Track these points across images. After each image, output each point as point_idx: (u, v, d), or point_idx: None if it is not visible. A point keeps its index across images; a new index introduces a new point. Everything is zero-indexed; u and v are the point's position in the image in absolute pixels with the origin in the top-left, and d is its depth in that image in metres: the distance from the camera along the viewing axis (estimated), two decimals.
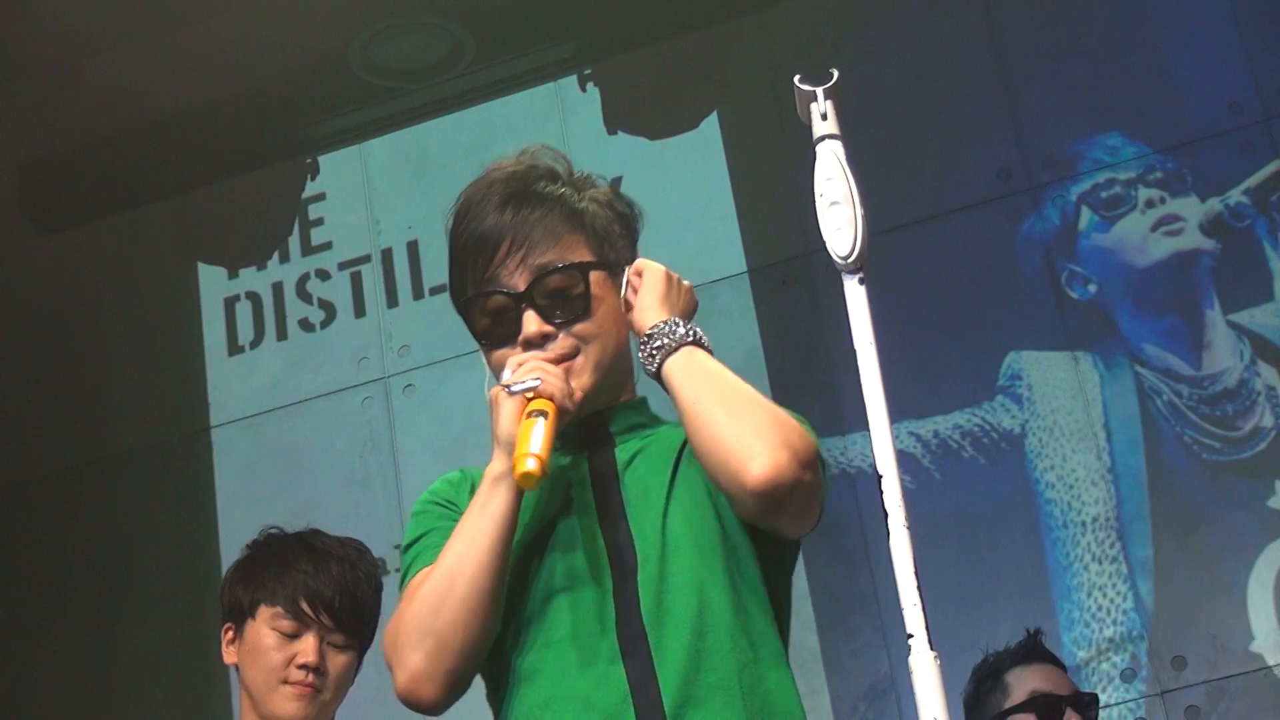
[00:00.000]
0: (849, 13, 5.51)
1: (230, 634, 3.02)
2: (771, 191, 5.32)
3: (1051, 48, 5.30)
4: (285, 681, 2.92)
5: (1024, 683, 3.78)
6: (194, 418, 5.71)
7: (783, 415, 2.18)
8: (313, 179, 5.88)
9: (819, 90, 2.02)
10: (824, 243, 1.98)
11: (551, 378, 2.19)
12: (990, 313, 5.09)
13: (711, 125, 5.54)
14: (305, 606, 2.93)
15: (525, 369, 2.21)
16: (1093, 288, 5.05)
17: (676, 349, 2.24)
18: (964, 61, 5.36)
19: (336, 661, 2.95)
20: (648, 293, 2.30)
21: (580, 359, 2.28)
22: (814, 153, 2.01)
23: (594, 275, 2.31)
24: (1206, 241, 4.99)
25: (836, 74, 2.04)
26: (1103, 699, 4.61)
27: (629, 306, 2.32)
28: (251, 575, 3.01)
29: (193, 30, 5.59)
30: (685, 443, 2.26)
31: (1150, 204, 5.07)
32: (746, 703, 2.13)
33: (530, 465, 2.09)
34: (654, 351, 2.24)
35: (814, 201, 1.99)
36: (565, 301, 2.29)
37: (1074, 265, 5.08)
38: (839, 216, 1.95)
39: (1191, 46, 5.18)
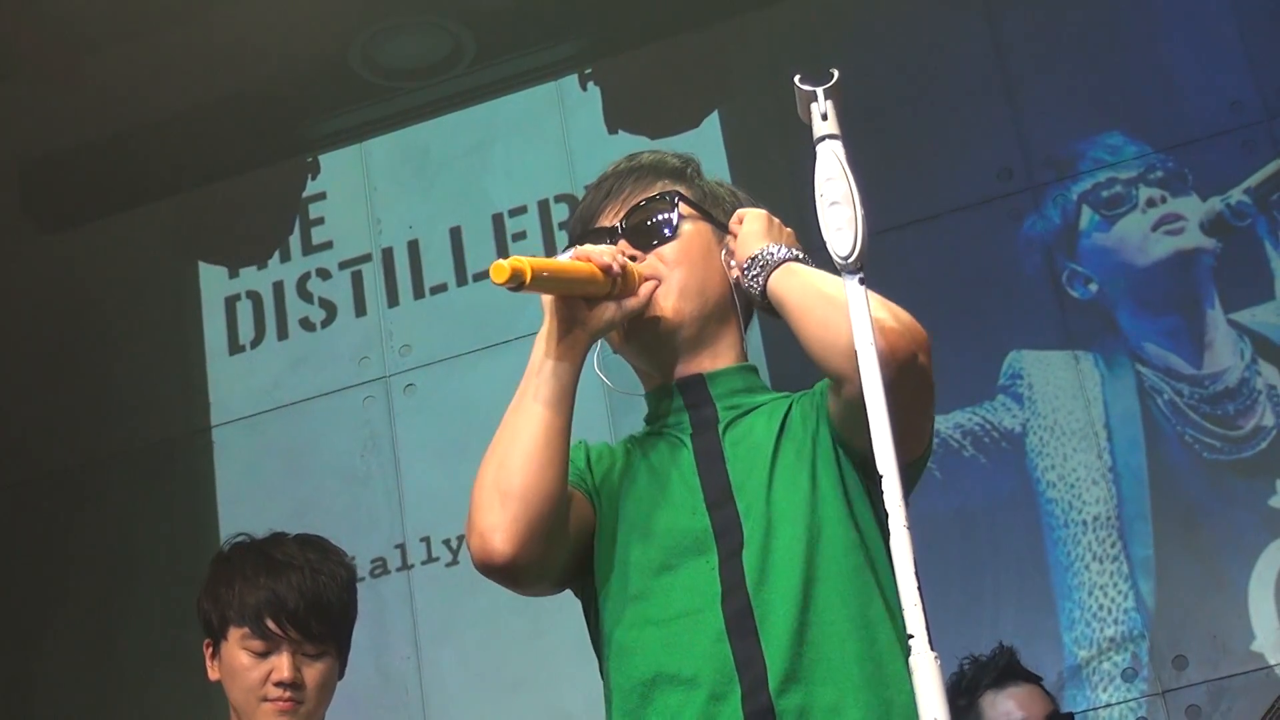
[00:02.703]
0: (850, 12, 5.51)
1: (210, 650, 3.02)
2: (772, 190, 5.30)
3: (1052, 47, 5.30)
4: (265, 699, 2.91)
5: (996, 708, 3.78)
6: (195, 417, 5.71)
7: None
8: (313, 178, 5.89)
9: (819, 90, 2.02)
10: (824, 242, 1.98)
11: (598, 247, 2.21)
12: (991, 312, 5.09)
13: (712, 124, 5.54)
14: (271, 625, 2.91)
15: None
16: (1093, 287, 5.05)
17: (778, 266, 2.24)
18: (965, 61, 5.36)
19: (313, 672, 2.94)
20: (749, 229, 2.32)
21: (664, 286, 2.29)
22: (814, 152, 2.01)
23: (684, 207, 2.35)
24: (1207, 241, 4.99)
25: (837, 74, 2.04)
26: (1104, 698, 4.62)
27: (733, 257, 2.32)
28: (217, 593, 2.99)
29: (193, 30, 5.59)
30: (788, 412, 2.27)
31: (1151, 203, 5.08)
32: (853, 674, 2.11)
33: (505, 260, 2.07)
34: (757, 274, 2.25)
35: (814, 201, 1.99)
36: (653, 229, 2.34)
37: (1075, 264, 5.08)
38: (839, 216, 1.95)
39: (1192, 45, 5.18)
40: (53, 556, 5.68)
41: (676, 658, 2.14)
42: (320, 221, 5.81)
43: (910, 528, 1.85)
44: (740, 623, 2.12)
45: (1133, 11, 5.30)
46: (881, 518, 2.18)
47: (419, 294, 5.59)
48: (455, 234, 5.64)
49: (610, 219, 2.35)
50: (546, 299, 2.20)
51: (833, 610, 2.14)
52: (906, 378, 2.09)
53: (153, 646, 5.36)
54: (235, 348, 5.74)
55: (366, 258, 5.70)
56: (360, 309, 5.66)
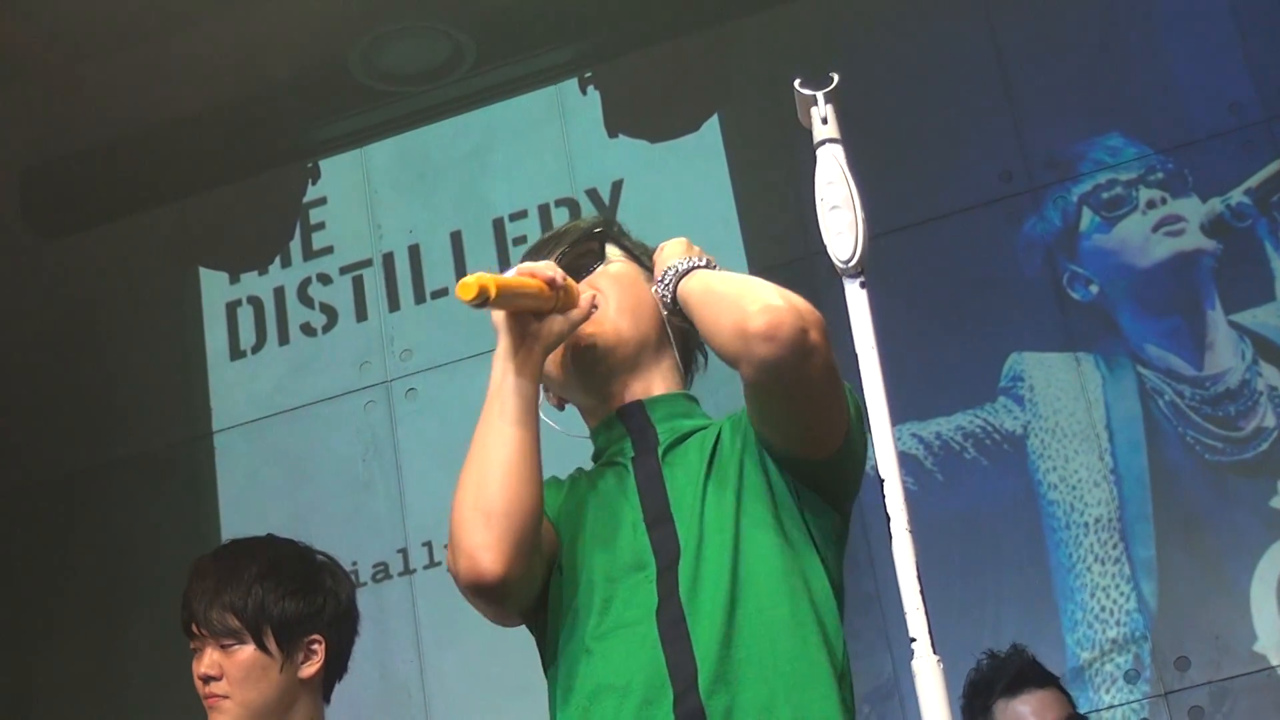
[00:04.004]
0: (850, 15, 5.51)
1: None
2: (773, 194, 5.32)
3: (1052, 49, 5.30)
4: (204, 698, 3.00)
5: (1009, 717, 3.76)
6: (196, 422, 5.71)
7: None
8: (314, 183, 5.89)
9: (819, 94, 2.03)
10: (825, 246, 1.98)
11: (539, 263, 2.28)
12: (992, 314, 5.09)
13: (712, 128, 5.54)
14: (191, 622, 3.02)
15: None
16: (1094, 288, 5.05)
17: (685, 274, 2.30)
18: (964, 63, 5.36)
19: (233, 661, 2.99)
20: (666, 252, 2.39)
21: (598, 311, 2.34)
22: (814, 156, 2.02)
23: (611, 247, 2.45)
24: (1208, 242, 4.99)
25: (836, 78, 2.04)
26: (1106, 700, 4.61)
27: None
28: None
29: (193, 36, 5.59)
30: (720, 430, 2.32)
31: (1151, 204, 5.08)
32: (785, 673, 2.14)
33: (471, 277, 2.13)
34: (668, 282, 2.31)
35: (814, 205, 1.99)
36: (586, 261, 2.43)
37: (1075, 266, 5.08)
38: (840, 220, 1.95)
39: (1192, 47, 5.18)
40: (54, 562, 5.68)
41: (614, 668, 2.18)
42: (321, 226, 5.81)
43: (913, 530, 1.85)
44: (673, 630, 2.16)
45: (1132, 13, 5.30)
46: (809, 522, 2.27)
47: (420, 299, 5.59)
48: (456, 238, 5.64)
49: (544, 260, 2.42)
50: (499, 318, 2.26)
51: (762, 614, 2.17)
52: (796, 355, 2.10)
53: (154, 652, 5.36)
54: (236, 353, 5.74)
55: (367, 263, 5.70)
56: (361, 314, 5.66)
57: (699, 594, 2.18)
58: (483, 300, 2.13)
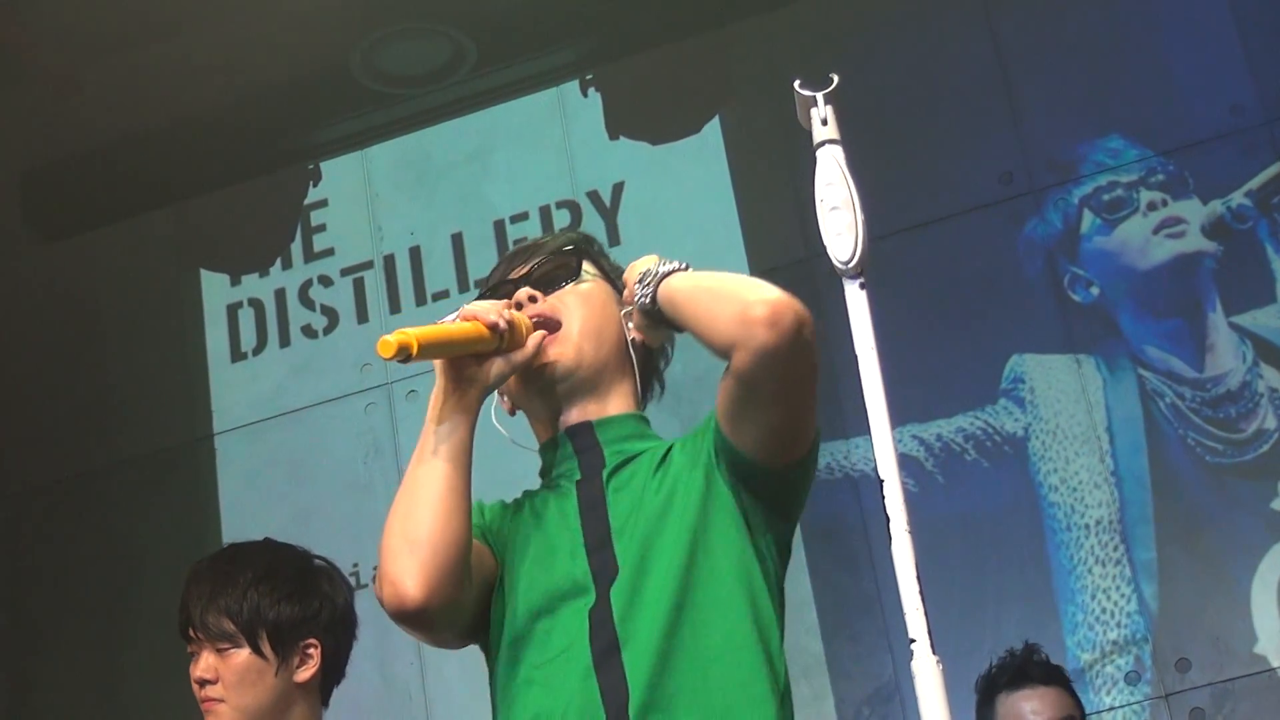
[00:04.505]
0: (850, 17, 5.51)
1: None
2: (774, 196, 5.32)
3: (1052, 50, 5.30)
4: (200, 701, 3.00)
5: (1009, 713, 3.76)
6: (197, 424, 5.71)
7: None
8: (315, 185, 5.89)
9: (819, 95, 2.03)
10: (825, 247, 1.98)
11: (482, 303, 2.28)
12: (992, 316, 5.09)
13: (714, 130, 5.55)
14: (188, 626, 3.02)
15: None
16: (1095, 290, 5.05)
17: (665, 276, 2.30)
18: (965, 65, 5.36)
19: (230, 665, 2.99)
20: (639, 263, 2.37)
21: (565, 327, 2.35)
22: (814, 158, 2.02)
23: (588, 264, 2.44)
24: (1208, 244, 4.99)
25: (836, 79, 2.04)
26: (1107, 702, 4.61)
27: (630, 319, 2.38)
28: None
29: (194, 37, 5.59)
30: (668, 451, 2.32)
31: (1152, 206, 5.08)
32: (716, 702, 2.15)
33: (392, 335, 2.14)
34: (647, 286, 2.30)
35: (815, 206, 1.99)
36: (558, 275, 2.42)
37: (1076, 268, 5.08)
38: (839, 221, 1.96)
39: (1193, 49, 5.18)
40: (56, 564, 5.68)
41: (550, 697, 2.19)
42: (322, 228, 5.81)
43: (911, 532, 1.85)
44: (607, 657, 2.17)
45: (1133, 15, 5.30)
46: (760, 539, 2.26)
47: (421, 300, 5.59)
48: (457, 240, 5.64)
49: (518, 274, 2.43)
50: (435, 361, 2.26)
51: (699, 640, 2.18)
52: (793, 345, 2.11)
53: (156, 654, 5.35)
54: (237, 355, 5.74)
55: (368, 264, 5.70)
56: (362, 315, 5.66)
57: (635, 620, 2.18)
58: (404, 357, 2.15)
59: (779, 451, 2.25)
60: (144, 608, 5.48)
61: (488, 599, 2.31)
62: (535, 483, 2.44)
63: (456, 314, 2.25)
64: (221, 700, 2.98)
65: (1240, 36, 5.13)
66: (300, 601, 3.06)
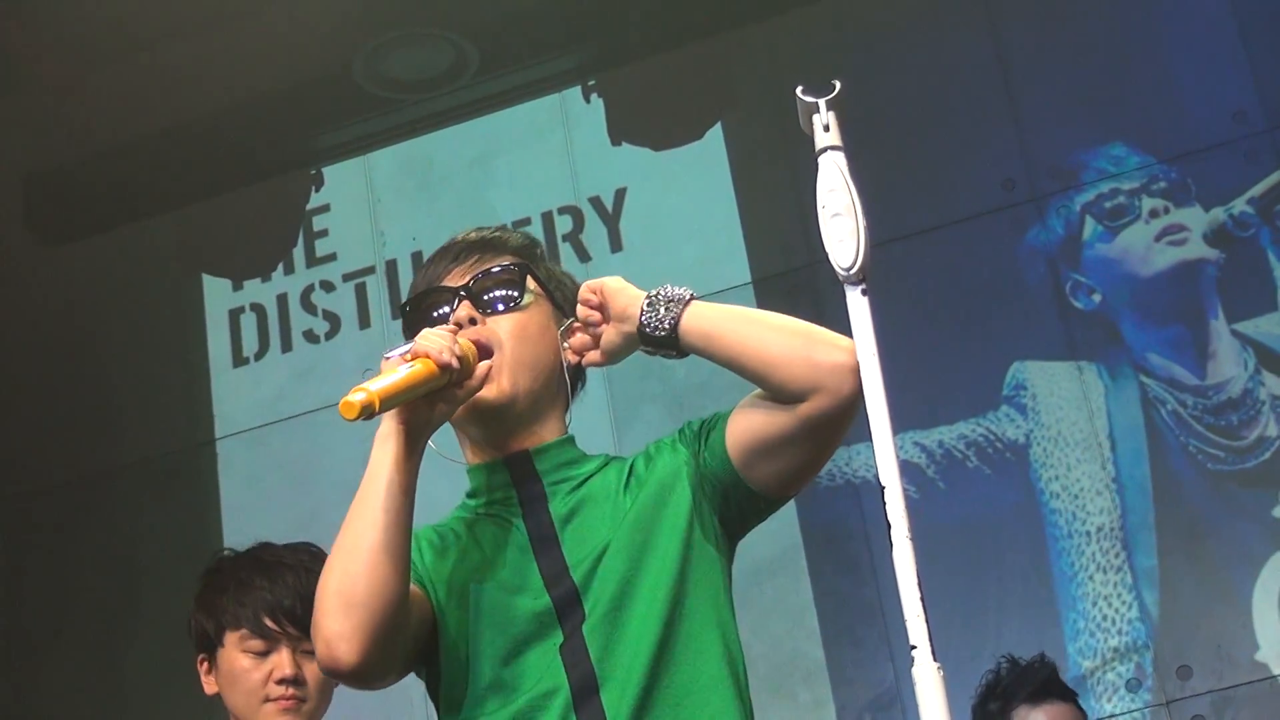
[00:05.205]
0: (853, 23, 5.52)
1: (205, 665, 3.02)
2: (776, 202, 5.32)
3: (1055, 58, 5.30)
4: (268, 699, 2.92)
5: None
6: (199, 429, 5.71)
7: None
8: (317, 190, 5.89)
9: (821, 101, 2.02)
10: (827, 254, 1.98)
11: (433, 337, 2.21)
12: (994, 323, 5.09)
13: (716, 136, 5.55)
14: (269, 622, 2.93)
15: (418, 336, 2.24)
16: (1097, 297, 5.05)
17: (687, 304, 2.25)
18: (968, 72, 5.36)
19: (313, 669, 2.92)
20: (615, 284, 2.32)
21: (498, 357, 2.30)
22: (817, 164, 2.01)
23: (530, 281, 2.38)
24: (1210, 251, 4.99)
25: (839, 85, 2.04)
26: (1108, 709, 4.61)
27: (589, 330, 2.34)
28: (211, 603, 3.00)
29: (196, 43, 5.59)
30: (629, 473, 2.30)
31: (1154, 214, 5.08)
32: None
33: (353, 396, 2.11)
34: (663, 311, 2.25)
35: (817, 212, 1.99)
36: (497, 298, 2.36)
37: (1078, 275, 5.08)
38: (841, 228, 1.95)
39: (1195, 56, 5.18)
40: (58, 569, 5.68)
41: None
42: (324, 234, 5.81)
43: (912, 538, 1.85)
44: (586, 697, 2.16)
45: (1135, 23, 5.30)
46: (725, 562, 2.26)
47: None
48: None
49: (457, 280, 2.38)
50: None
51: (676, 677, 2.17)
52: (857, 398, 2.12)
53: (157, 659, 5.36)
54: (239, 360, 5.74)
55: (370, 270, 5.70)
56: (364, 321, 5.66)
57: (615, 658, 2.17)
58: (368, 415, 2.13)
59: (790, 486, 2.26)
60: (145, 612, 5.48)
61: (425, 635, 2.28)
62: (458, 493, 2.42)
63: (408, 348, 2.21)
64: (305, 701, 2.92)
65: (1243, 44, 5.13)
66: None
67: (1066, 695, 3.84)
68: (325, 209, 5.85)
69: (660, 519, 2.25)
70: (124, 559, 5.60)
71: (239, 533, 5.25)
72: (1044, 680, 3.83)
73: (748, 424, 2.24)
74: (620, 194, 5.54)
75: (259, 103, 5.81)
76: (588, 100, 5.71)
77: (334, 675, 2.19)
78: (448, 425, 2.35)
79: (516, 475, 2.32)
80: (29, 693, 5.59)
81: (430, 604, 2.28)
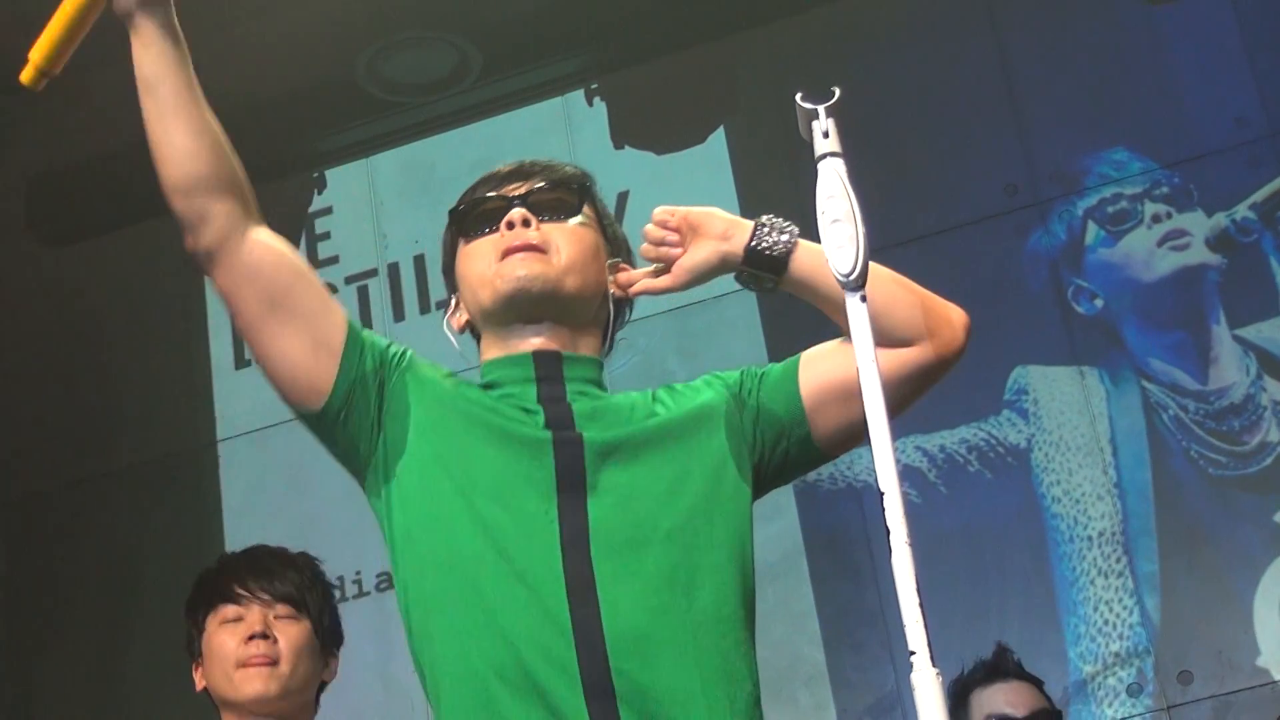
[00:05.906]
0: (856, 28, 5.52)
1: (196, 665, 3.03)
2: (778, 206, 5.28)
3: (1058, 63, 5.30)
4: (239, 665, 2.90)
5: (983, 706, 3.75)
6: (201, 431, 5.72)
7: None
8: (319, 193, 5.89)
9: (820, 108, 2.03)
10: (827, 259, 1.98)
11: None
12: (996, 327, 5.09)
13: (718, 140, 5.55)
14: (238, 588, 2.95)
15: None
16: (1099, 302, 5.05)
17: (796, 242, 2.33)
18: (970, 77, 5.37)
19: (288, 632, 2.94)
20: (708, 208, 2.40)
21: (548, 254, 2.29)
22: (816, 170, 2.02)
23: (589, 207, 2.39)
24: (1213, 256, 4.99)
25: (838, 92, 2.04)
26: (1109, 714, 4.61)
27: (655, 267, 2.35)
28: (193, 603, 3.04)
29: (198, 44, 5.58)
30: (652, 400, 2.28)
31: (1157, 219, 5.08)
32: (700, 663, 2.11)
33: (23, 76, 2.23)
34: (779, 234, 2.35)
35: (816, 218, 2.00)
36: (557, 206, 2.36)
37: (1080, 280, 5.08)
38: (840, 234, 1.96)
39: (1197, 62, 5.19)
40: (58, 571, 5.69)
41: (517, 633, 2.14)
42: (326, 236, 5.82)
43: (912, 543, 1.85)
44: (583, 600, 2.11)
45: (1138, 28, 5.30)
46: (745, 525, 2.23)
47: (425, 309, 5.59)
48: None
49: (514, 191, 2.38)
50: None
51: (689, 605, 2.13)
52: (962, 355, 2.33)
53: (158, 660, 5.36)
54: (241, 362, 5.74)
55: (372, 273, 5.71)
56: (366, 324, 5.63)
57: (625, 579, 2.12)
58: (48, 76, 2.16)
59: (847, 443, 2.32)
60: (146, 613, 5.48)
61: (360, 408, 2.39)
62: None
63: None
64: (274, 663, 2.90)
65: (1245, 49, 5.13)
66: (326, 593, 3.07)
67: (1022, 674, 3.83)
68: (328, 212, 5.86)
69: (692, 440, 2.23)
70: (125, 560, 5.61)
71: (241, 534, 5.27)
72: (994, 661, 3.83)
73: (830, 365, 2.27)
74: (623, 198, 5.53)
75: (262, 105, 5.80)
76: (590, 104, 5.71)
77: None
78: (468, 338, 2.37)
79: (541, 371, 2.28)
80: (31, 693, 5.59)
81: (382, 372, 2.38)
